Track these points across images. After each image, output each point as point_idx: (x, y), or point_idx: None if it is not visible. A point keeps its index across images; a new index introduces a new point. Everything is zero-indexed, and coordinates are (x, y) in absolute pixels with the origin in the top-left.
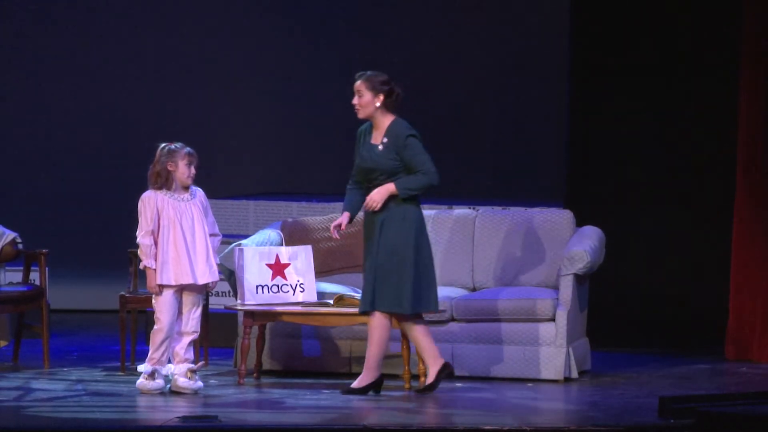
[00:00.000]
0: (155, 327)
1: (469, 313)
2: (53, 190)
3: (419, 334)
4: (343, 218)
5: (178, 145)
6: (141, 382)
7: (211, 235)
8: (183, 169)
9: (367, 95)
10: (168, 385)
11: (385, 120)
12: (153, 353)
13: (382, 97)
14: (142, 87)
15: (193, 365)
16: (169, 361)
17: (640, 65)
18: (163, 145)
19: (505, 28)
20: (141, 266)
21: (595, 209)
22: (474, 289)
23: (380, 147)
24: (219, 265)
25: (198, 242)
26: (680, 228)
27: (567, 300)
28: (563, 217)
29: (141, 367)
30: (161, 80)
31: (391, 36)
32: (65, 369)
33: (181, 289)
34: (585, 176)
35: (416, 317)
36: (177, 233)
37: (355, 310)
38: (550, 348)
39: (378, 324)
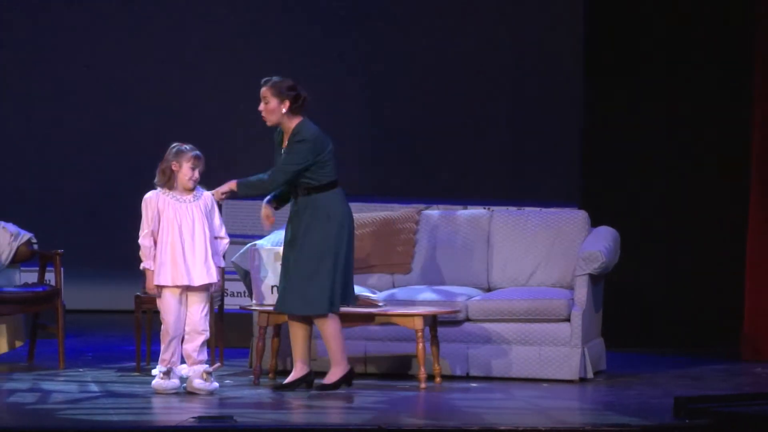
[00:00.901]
0: (162, 328)
1: (484, 314)
2: (69, 190)
3: (336, 332)
4: (265, 208)
5: (187, 147)
6: (156, 382)
7: (216, 237)
8: (186, 171)
9: (273, 102)
10: (183, 385)
11: (292, 124)
12: (163, 354)
13: (288, 103)
14: (159, 88)
15: (208, 366)
16: (183, 362)
17: (655, 66)
18: (174, 144)
19: (520, 28)
20: (141, 267)
21: (610, 209)
22: (489, 290)
23: (283, 152)
24: (234, 265)
25: (197, 244)
26: (695, 228)
27: (582, 300)
28: (578, 217)
29: (155, 371)
30: (179, 81)
31: (406, 36)
32: (80, 369)
33: (184, 290)
34: (600, 176)
35: (330, 315)
36: (175, 234)
37: (372, 310)
38: (565, 348)
39: (322, 323)
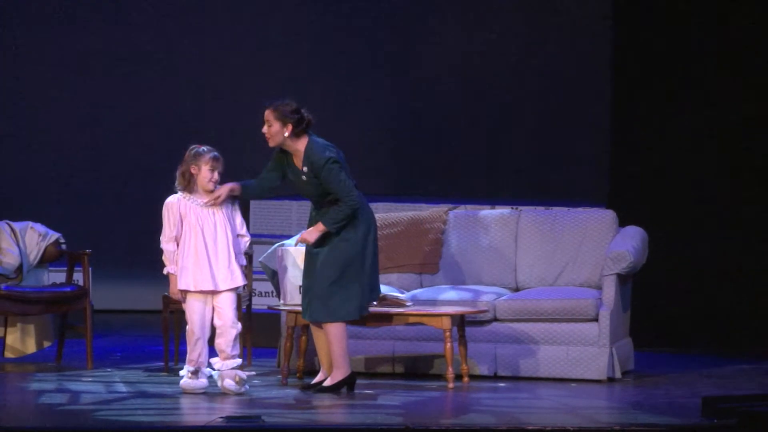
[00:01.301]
0: (187, 328)
1: (512, 314)
2: (97, 190)
3: (340, 336)
4: (232, 186)
5: (205, 148)
6: (185, 381)
7: (238, 235)
8: (205, 173)
9: (276, 125)
10: (214, 380)
11: (299, 145)
12: (190, 355)
13: (290, 127)
14: (188, 89)
15: (242, 373)
16: (215, 355)
17: (684, 64)
18: (192, 146)
19: (547, 28)
20: (164, 272)
21: (638, 209)
22: (517, 290)
23: (304, 177)
24: (262, 265)
25: (220, 248)
26: (723, 228)
27: (610, 300)
28: (606, 217)
29: (183, 370)
30: (206, 82)
31: (434, 35)
32: (108, 369)
33: (209, 293)
34: (628, 176)
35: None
36: (198, 239)
37: (400, 310)
38: (593, 348)
39: (330, 325)
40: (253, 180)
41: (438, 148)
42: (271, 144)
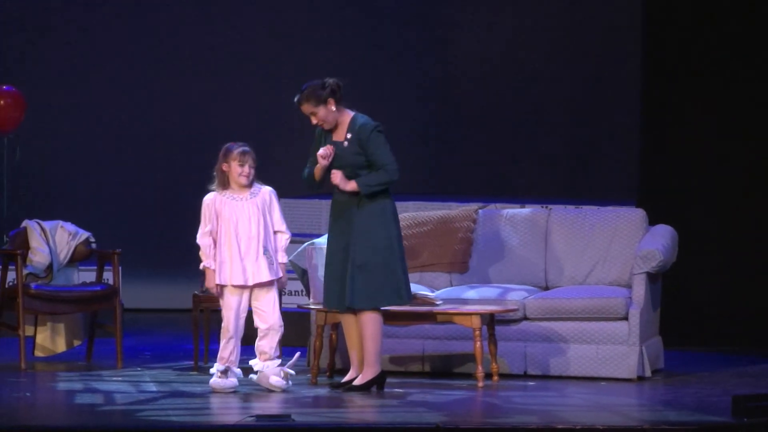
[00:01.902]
0: (222, 325)
1: (542, 312)
2: (127, 190)
3: (377, 333)
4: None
5: (234, 144)
6: (214, 380)
7: (276, 231)
8: (235, 169)
9: (320, 110)
10: (253, 377)
11: (345, 117)
12: (222, 352)
13: (332, 101)
14: (218, 86)
15: (288, 369)
16: (249, 358)
17: (715, 63)
18: (224, 145)
19: (579, 27)
20: (201, 266)
21: (668, 208)
22: (546, 288)
23: (345, 143)
24: (291, 264)
25: (251, 243)
26: (753, 226)
27: (640, 299)
28: (636, 215)
29: (213, 369)
30: (237, 79)
31: (462, 34)
32: (138, 368)
33: (247, 289)
34: (658, 175)
35: (378, 314)
36: (231, 233)
37: (430, 308)
38: (623, 347)
39: (369, 319)
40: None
41: (467, 147)
42: (327, 127)
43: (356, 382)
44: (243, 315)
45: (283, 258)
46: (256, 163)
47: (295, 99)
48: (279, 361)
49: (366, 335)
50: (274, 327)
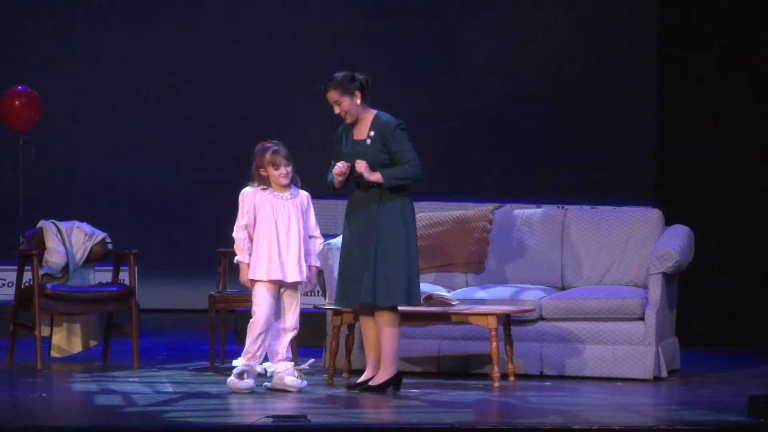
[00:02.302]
0: (252, 320)
1: (558, 313)
2: (143, 190)
3: (394, 333)
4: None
5: (265, 145)
6: (231, 380)
7: (311, 236)
8: (272, 174)
9: (345, 100)
10: (265, 384)
11: (368, 114)
12: (249, 347)
13: (358, 94)
14: (238, 87)
15: (301, 365)
16: (266, 359)
17: (730, 62)
18: (258, 146)
19: (594, 27)
20: (235, 260)
21: (684, 208)
22: (562, 288)
23: (368, 141)
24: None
25: (292, 241)
26: None
27: (656, 299)
28: (652, 215)
29: (236, 362)
30: (259, 80)
31: (480, 34)
32: (154, 369)
33: (279, 286)
34: (674, 175)
35: (396, 314)
36: (271, 230)
37: (446, 309)
38: (639, 347)
39: (387, 319)
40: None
41: (483, 147)
42: (349, 119)
43: (372, 383)
44: (274, 312)
45: (316, 261)
46: (290, 159)
47: (322, 86)
48: (291, 364)
49: (383, 335)
50: (290, 328)
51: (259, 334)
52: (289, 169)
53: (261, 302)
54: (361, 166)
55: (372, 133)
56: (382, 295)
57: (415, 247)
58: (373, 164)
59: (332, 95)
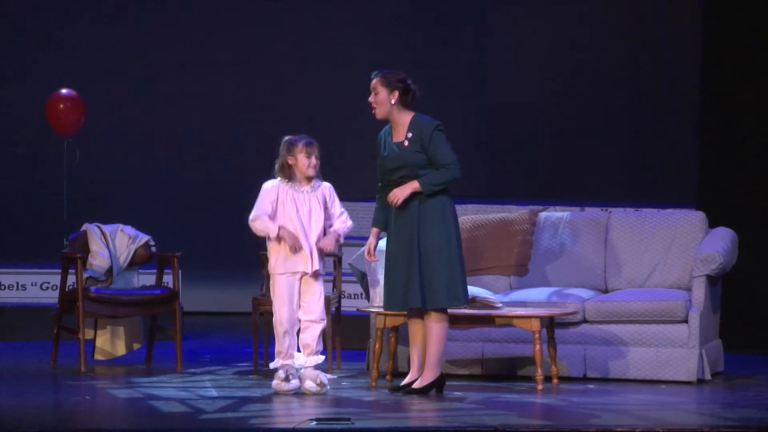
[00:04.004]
0: (273, 319)
1: (602, 315)
2: (187, 192)
3: (442, 337)
4: (373, 239)
5: (297, 137)
6: (276, 383)
7: (333, 229)
8: (303, 161)
9: (383, 92)
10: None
11: (405, 117)
12: (279, 347)
13: (397, 94)
14: (279, 89)
15: (324, 377)
16: (298, 350)
17: None
18: (285, 138)
19: (638, 29)
20: (271, 235)
21: (728, 210)
22: (606, 291)
23: (405, 143)
24: (351, 267)
25: (313, 234)
26: None
27: (699, 301)
28: (695, 218)
29: (272, 364)
30: (297, 84)
31: (522, 37)
32: (198, 371)
33: (298, 279)
34: (718, 177)
35: (444, 315)
36: (294, 223)
37: (490, 311)
38: (683, 350)
39: (436, 322)
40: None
41: (527, 149)
42: (378, 114)
43: (416, 385)
44: (297, 308)
45: (340, 231)
46: (319, 156)
47: (374, 71)
48: (322, 357)
49: (430, 338)
50: (317, 319)
51: (285, 332)
52: (318, 163)
53: (281, 300)
54: (393, 197)
55: (410, 135)
56: (425, 298)
57: (459, 246)
58: (410, 165)
59: (375, 83)
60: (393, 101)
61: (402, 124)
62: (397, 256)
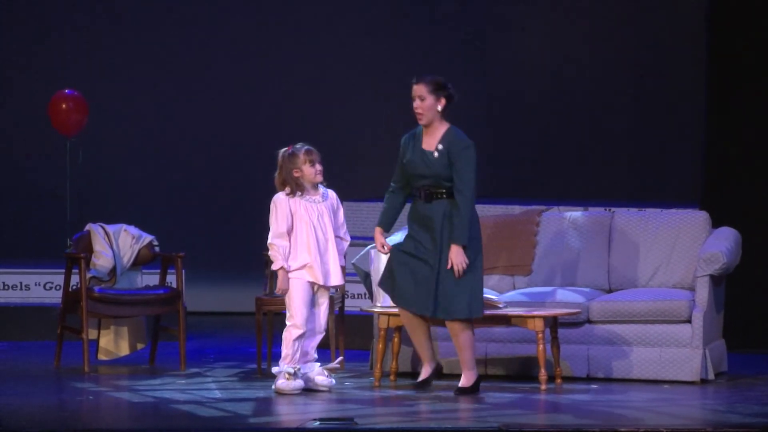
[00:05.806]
0: (289, 324)
1: (605, 315)
2: (190, 192)
3: (472, 341)
4: (380, 237)
5: (294, 147)
6: (281, 382)
7: (337, 237)
8: (308, 171)
9: (430, 99)
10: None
11: (441, 127)
12: (288, 350)
13: (443, 101)
14: (280, 90)
15: (330, 365)
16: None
17: None
18: (282, 150)
19: (641, 30)
20: (273, 268)
21: (732, 210)
22: (609, 291)
23: (435, 154)
24: (354, 267)
25: (330, 244)
26: None
27: (703, 301)
28: (699, 218)
29: (275, 369)
30: (299, 83)
31: (526, 38)
32: (202, 371)
33: (313, 289)
34: (721, 177)
35: (469, 323)
36: (311, 234)
37: (493, 311)
38: (687, 349)
39: (461, 330)
40: (384, 208)
41: (530, 149)
42: (423, 120)
43: (463, 385)
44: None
45: (343, 262)
46: (321, 158)
47: (416, 77)
48: (318, 364)
49: (461, 345)
50: (320, 330)
51: (298, 337)
52: (322, 167)
53: (298, 307)
54: (459, 266)
55: (440, 147)
56: (444, 309)
57: (481, 262)
58: (436, 176)
59: (421, 89)
60: (439, 108)
61: (436, 134)
62: (419, 261)
